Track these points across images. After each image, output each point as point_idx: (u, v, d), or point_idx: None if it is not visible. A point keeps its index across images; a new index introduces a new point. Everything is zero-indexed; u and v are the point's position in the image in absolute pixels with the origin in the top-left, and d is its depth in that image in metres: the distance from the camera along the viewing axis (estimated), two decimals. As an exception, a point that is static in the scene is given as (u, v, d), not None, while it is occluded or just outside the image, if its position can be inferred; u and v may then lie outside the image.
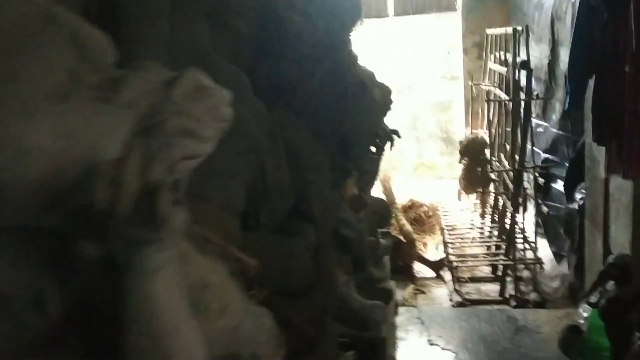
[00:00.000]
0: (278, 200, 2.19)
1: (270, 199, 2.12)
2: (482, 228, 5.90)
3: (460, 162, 5.63)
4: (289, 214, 2.13)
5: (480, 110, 6.99)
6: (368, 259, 2.96)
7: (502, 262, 4.86)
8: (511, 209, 4.67)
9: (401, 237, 5.83)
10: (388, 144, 3.42)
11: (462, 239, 5.70)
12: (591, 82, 3.07)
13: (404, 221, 5.91)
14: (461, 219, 6.28)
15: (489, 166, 5.47)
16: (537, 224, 4.95)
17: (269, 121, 2.24)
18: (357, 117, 2.69)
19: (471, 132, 6.69)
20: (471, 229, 5.97)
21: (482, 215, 6.04)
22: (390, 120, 3.43)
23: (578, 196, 4.03)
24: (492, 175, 5.36)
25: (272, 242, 1.99)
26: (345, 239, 2.77)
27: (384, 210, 3.64)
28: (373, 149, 3.30)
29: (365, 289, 2.83)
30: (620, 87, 2.78)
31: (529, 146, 4.96)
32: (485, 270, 5.52)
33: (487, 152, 5.68)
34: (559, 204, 5.28)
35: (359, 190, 3.34)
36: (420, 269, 5.76)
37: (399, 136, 3.49)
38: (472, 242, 5.55)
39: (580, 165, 3.97)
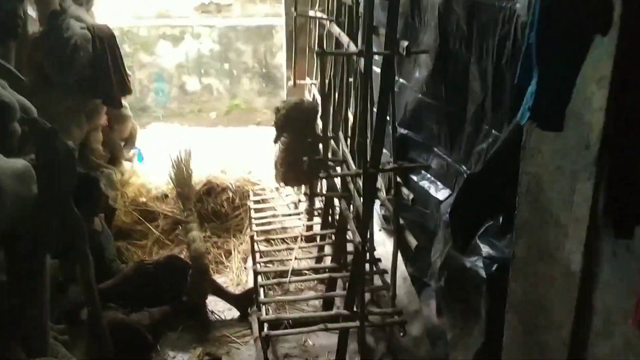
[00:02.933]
0: None
1: None
2: (312, 239, 3.96)
3: (275, 141, 3.55)
4: None
5: (308, 49, 4.89)
6: None
7: (341, 323, 2.96)
8: (357, 240, 2.73)
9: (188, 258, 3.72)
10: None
11: (280, 259, 3.71)
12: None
13: (194, 232, 3.77)
14: (281, 216, 4.28)
15: (320, 150, 3.46)
16: (395, 250, 3.11)
17: None
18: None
19: (295, 85, 4.59)
20: (296, 236, 3.99)
21: (310, 216, 4.09)
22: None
23: (484, 250, 2.18)
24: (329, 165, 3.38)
25: None
26: None
27: None
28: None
29: None
30: None
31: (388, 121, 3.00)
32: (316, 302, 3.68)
33: (319, 124, 3.67)
34: (422, 208, 3.49)
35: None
36: (219, 306, 3.73)
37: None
38: (294, 262, 3.59)
39: (493, 190, 2.11)
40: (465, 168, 3.08)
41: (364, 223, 2.67)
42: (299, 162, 3.54)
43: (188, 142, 6.62)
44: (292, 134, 3.50)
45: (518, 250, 1.83)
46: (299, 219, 4.21)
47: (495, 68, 2.75)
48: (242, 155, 6.14)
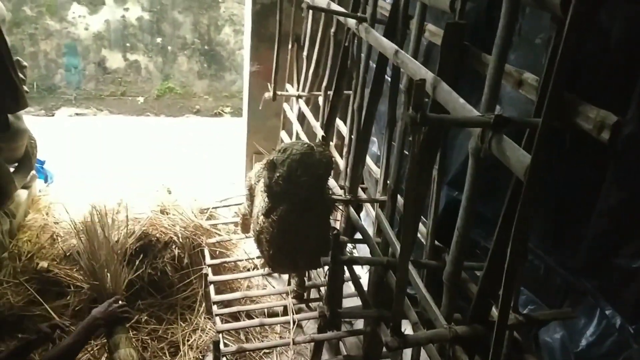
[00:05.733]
0: None
1: None
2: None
3: (268, 214, 2.18)
4: None
5: (296, 42, 3.46)
6: None
7: None
8: None
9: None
10: None
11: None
12: None
13: (122, 350, 2.35)
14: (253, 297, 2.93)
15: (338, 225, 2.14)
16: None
17: None
18: None
19: (274, 98, 3.11)
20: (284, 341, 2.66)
21: (299, 300, 2.77)
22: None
23: None
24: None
25: None
26: None
27: None
28: None
29: None
30: None
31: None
32: None
33: (335, 186, 2.34)
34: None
35: None
36: None
37: None
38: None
39: None
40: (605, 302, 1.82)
41: None
42: (299, 245, 2.22)
43: (110, 140, 5.13)
44: (293, 203, 2.16)
45: None
46: (282, 297, 2.89)
47: None
48: (185, 166, 4.71)
